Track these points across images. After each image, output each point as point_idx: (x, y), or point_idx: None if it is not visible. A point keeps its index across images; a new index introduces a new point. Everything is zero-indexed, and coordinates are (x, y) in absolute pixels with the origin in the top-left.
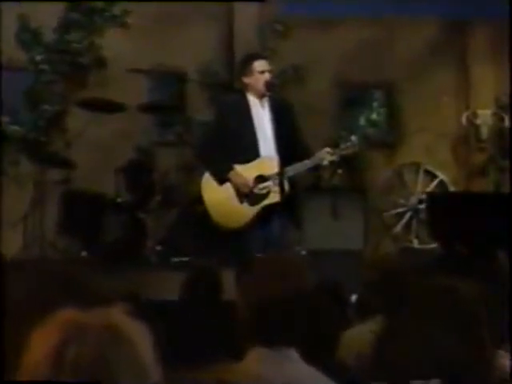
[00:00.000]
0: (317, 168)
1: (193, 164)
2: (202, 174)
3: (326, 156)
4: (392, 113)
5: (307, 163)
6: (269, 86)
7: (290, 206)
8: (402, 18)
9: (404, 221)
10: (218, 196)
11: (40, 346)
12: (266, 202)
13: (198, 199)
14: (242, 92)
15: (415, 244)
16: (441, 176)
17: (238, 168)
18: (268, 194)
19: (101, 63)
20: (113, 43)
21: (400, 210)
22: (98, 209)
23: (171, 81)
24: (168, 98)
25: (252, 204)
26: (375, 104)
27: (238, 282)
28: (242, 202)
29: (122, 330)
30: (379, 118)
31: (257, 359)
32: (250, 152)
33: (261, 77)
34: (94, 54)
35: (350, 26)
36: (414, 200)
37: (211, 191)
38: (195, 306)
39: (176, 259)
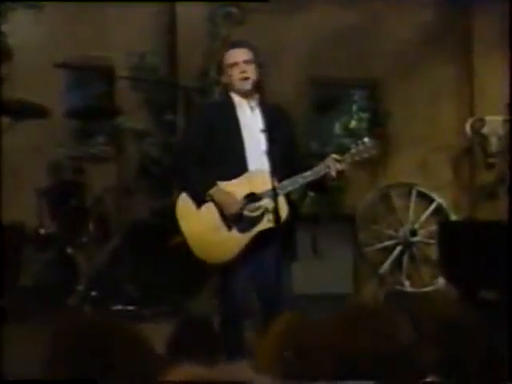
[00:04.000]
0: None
1: (132, 184)
2: (149, 196)
3: (332, 164)
4: (376, 119)
5: (308, 175)
6: (247, 79)
7: (286, 233)
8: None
9: (393, 257)
10: (198, 222)
11: None
12: (260, 227)
13: (175, 228)
14: (226, 93)
15: (407, 287)
16: (438, 200)
17: (222, 185)
18: (262, 216)
19: (6, 54)
20: (21, 29)
21: (387, 243)
22: (14, 243)
23: (96, 78)
24: (92, 99)
25: (243, 230)
26: (355, 107)
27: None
28: (229, 228)
29: None
30: (360, 126)
31: None
32: (236, 165)
33: (234, 71)
34: None
35: (325, 8)
36: (405, 231)
37: (190, 217)
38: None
39: (117, 308)
